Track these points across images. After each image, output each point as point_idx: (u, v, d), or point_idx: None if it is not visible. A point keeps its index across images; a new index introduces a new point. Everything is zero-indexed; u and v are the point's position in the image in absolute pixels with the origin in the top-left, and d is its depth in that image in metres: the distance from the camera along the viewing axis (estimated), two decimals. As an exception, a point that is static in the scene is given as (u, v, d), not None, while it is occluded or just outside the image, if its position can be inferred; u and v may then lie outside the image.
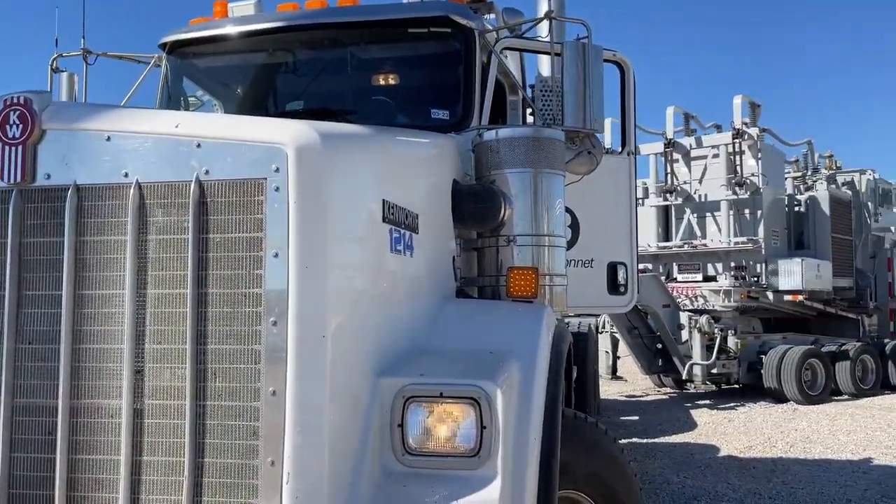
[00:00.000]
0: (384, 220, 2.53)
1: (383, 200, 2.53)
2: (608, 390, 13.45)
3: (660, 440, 9.14)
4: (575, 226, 4.50)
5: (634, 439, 9.18)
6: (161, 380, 2.12)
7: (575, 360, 7.46)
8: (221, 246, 2.12)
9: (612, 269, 4.56)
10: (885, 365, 13.28)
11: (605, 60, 4.43)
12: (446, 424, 2.31)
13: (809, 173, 15.84)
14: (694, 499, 6.50)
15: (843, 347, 12.94)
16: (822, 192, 14.34)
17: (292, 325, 2.06)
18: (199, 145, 2.14)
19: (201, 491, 2.05)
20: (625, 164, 4.68)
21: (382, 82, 4.38)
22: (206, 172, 2.13)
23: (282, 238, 2.08)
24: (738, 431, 9.66)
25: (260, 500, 2.03)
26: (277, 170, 2.10)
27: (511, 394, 2.48)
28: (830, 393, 12.49)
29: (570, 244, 4.50)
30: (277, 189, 2.09)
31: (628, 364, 14.00)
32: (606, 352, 13.67)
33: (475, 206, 3.58)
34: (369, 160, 2.57)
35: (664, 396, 13.01)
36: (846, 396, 12.55)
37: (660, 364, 12.69)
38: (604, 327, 13.38)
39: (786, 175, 15.01)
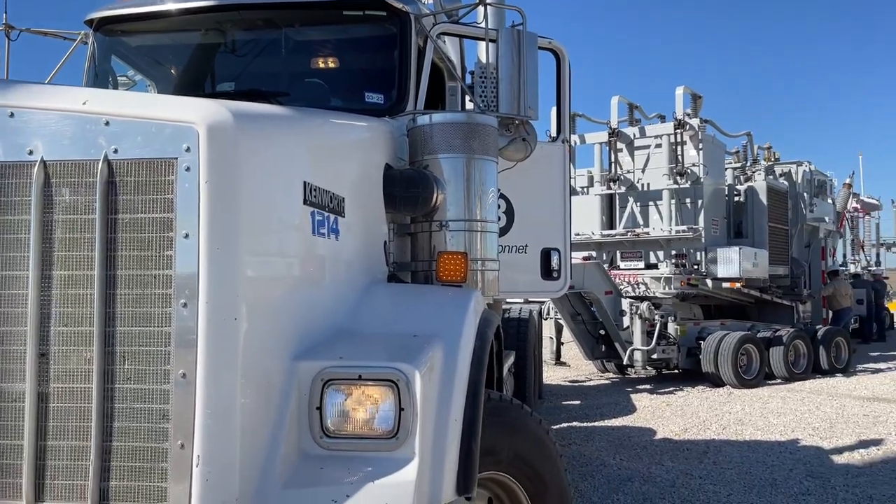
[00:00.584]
0: (305, 203, 2.51)
1: (304, 183, 2.51)
2: (552, 375, 13.65)
3: (599, 423, 9.32)
4: (510, 212, 4.54)
5: (575, 423, 9.34)
6: (67, 363, 2.07)
7: (515, 344, 7.58)
8: (130, 226, 2.08)
9: (546, 254, 4.61)
10: (816, 350, 13.76)
11: (541, 48, 4.46)
12: (365, 407, 2.31)
13: (749, 164, 16.27)
14: (628, 480, 6.66)
15: (777, 333, 13.36)
16: (760, 182, 14.74)
17: (203, 307, 2.03)
18: (107, 123, 2.09)
19: (108, 475, 2.02)
20: (559, 151, 4.74)
21: (316, 65, 4.33)
22: (115, 151, 2.08)
23: (192, 219, 2.05)
24: (675, 415, 9.91)
25: (169, 483, 2.01)
26: (188, 149, 2.06)
27: (432, 376, 2.50)
28: (765, 377, 12.89)
29: (505, 230, 4.54)
30: (188, 169, 2.06)
31: (573, 350, 14.22)
32: (551, 338, 13.86)
33: (407, 190, 3.57)
34: (288, 141, 2.54)
35: (606, 381, 13.25)
36: (779, 380, 12.97)
37: (602, 350, 12.93)
38: (548, 314, 13.55)
39: (726, 166, 15.37)
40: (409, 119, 3.88)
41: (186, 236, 2.05)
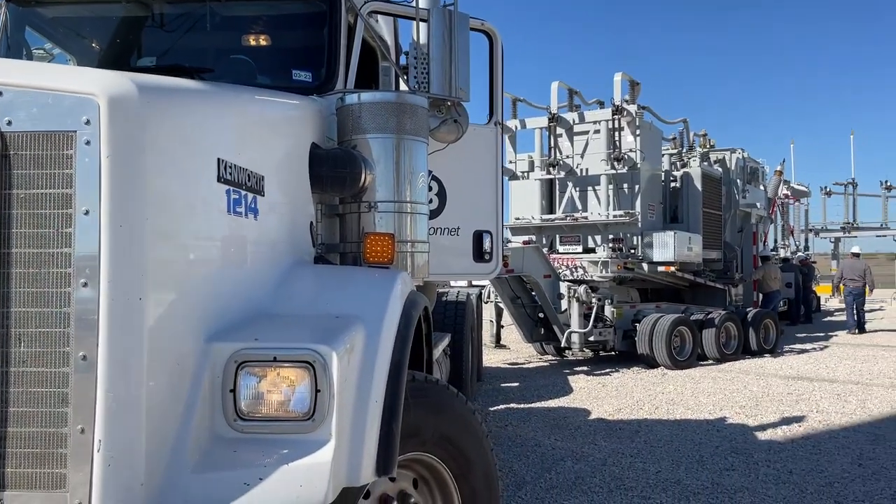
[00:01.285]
0: (219, 181, 2.44)
1: (218, 160, 2.44)
2: (492, 358, 13.78)
3: (536, 405, 9.45)
4: (442, 194, 4.52)
5: (513, 404, 9.45)
6: (-41, 346, 1.97)
7: (452, 327, 7.60)
8: (27, 203, 1.98)
9: (478, 237, 4.62)
10: (746, 332, 14.22)
11: (473, 29, 4.44)
12: (280, 389, 2.27)
13: (685, 151, 16.63)
14: (561, 459, 6.77)
15: (710, 316, 13.75)
16: (695, 168, 15.11)
17: (104, 287, 1.95)
18: (0, 93, 1.98)
19: (4, 462, 1.93)
20: (492, 134, 4.73)
21: (243, 41, 4.21)
22: (9, 123, 1.98)
23: (93, 195, 1.96)
24: (610, 395, 10.12)
25: (69, 469, 1.94)
26: (88, 122, 1.97)
27: (352, 357, 2.47)
28: (697, 358, 13.28)
29: (437, 212, 4.53)
30: (88, 143, 1.96)
31: (513, 333, 14.37)
32: (491, 321, 13.97)
33: (334, 170, 3.52)
34: (200, 116, 2.46)
35: (545, 364, 13.44)
36: (711, 361, 13.37)
37: (541, 332, 13.11)
38: (489, 297, 13.64)
39: (663, 152, 15.68)
40: (338, 98, 3.82)
41: (87, 213, 1.96)
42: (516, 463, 6.65)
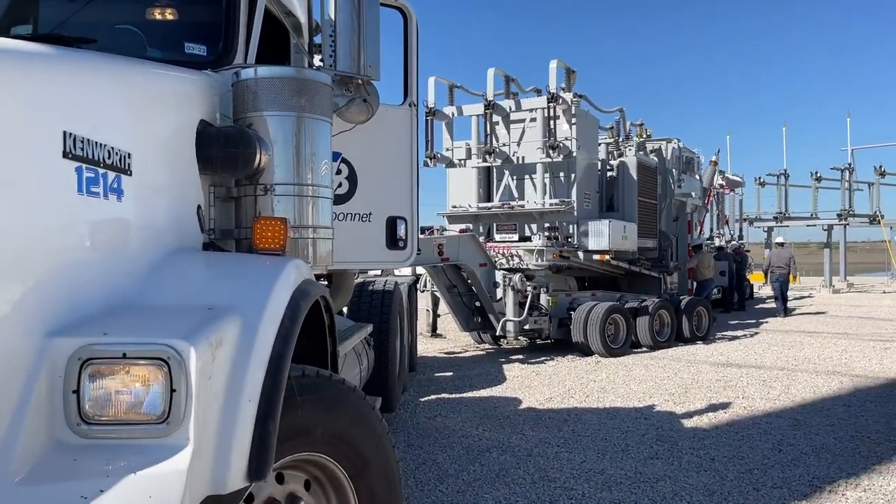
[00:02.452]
0: (66, 156, 2.18)
1: (65, 133, 2.18)
2: (428, 348, 13.64)
3: (468, 395, 9.33)
4: (352, 178, 4.31)
5: (444, 394, 9.31)
6: None
7: (379, 316, 7.39)
8: None
9: (392, 223, 4.43)
10: (680, 319, 14.40)
11: (384, 5, 4.24)
12: (130, 389, 2.04)
13: (622, 140, 16.72)
14: (486, 451, 6.66)
15: (644, 304, 13.87)
16: (630, 158, 15.19)
17: None
18: None
19: None
20: (406, 115, 4.54)
21: (134, 12, 3.91)
22: None
23: None
24: (542, 384, 10.08)
25: None
26: None
27: (219, 352, 2.26)
28: (631, 346, 13.39)
29: (347, 197, 4.32)
30: None
31: (450, 322, 14.24)
32: (427, 310, 13.82)
33: (224, 150, 3.27)
34: (41, 84, 2.19)
35: (481, 352, 13.36)
36: (645, 348, 13.50)
37: (477, 321, 13.00)
38: (425, 286, 13.48)
39: (600, 141, 15.72)
40: (234, 73, 3.57)
41: None
42: (441, 455, 6.51)
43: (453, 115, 13.79)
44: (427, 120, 13.23)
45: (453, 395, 9.29)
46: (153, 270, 2.62)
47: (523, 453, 6.59)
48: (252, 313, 2.47)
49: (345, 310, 7.00)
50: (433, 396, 9.19)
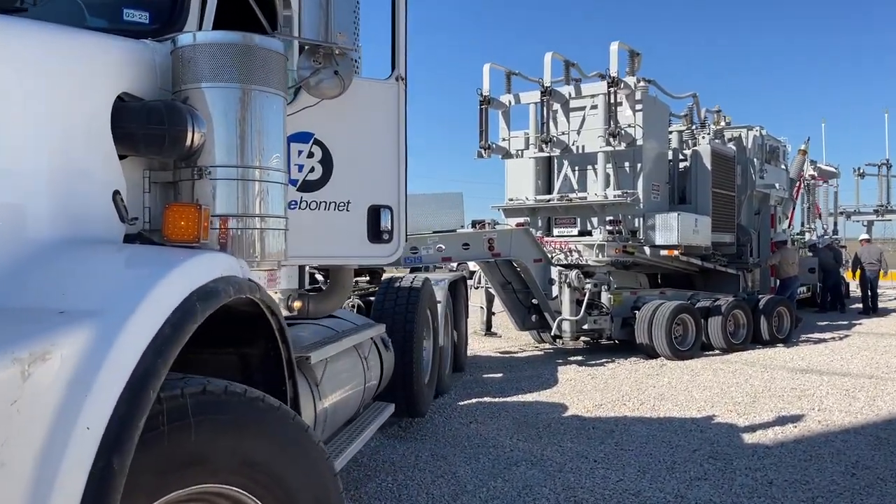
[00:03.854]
0: None
1: None
2: (484, 346, 13.11)
3: (511, 399, 8.75)
4: (327, 161, 3.83)
5: (486, 398, 8.77)
6: None
7: (404, 316, 6.91)
8: None
9: (375, 213, 3.93)
10: (757, 320, 13.33)
11: (364, -35, 3.74)
12: None
13: (697, 127, 15.65)
14: (514, 464, 6.08)
15: (717, 303, 12.89)
16: (704, 146, 14.15)
17: None
18: None
19: None
20: (392, 91, 4.02)
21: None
22: None
23: None
24: (595, 389, 9.39)
25: None
26: None
27: (47, 368, 1.81)
28: (702, 348, 12.46)
29: (321, 183, 3.85)
30: None
31: (507, 320, 13.64)
32: (481, 307, 13.27)
33: (147, 127, 2.85)
34: None
35: (539, 353, 12.72)
36: (717, 351, 12.54)
37: (534, 320, 12.35)
38: (479, 283, 12.95)
39: (672, 129, 14.75)
40: (171, 40, 3.15)
41: None
42: (463, 468, 5.98)
43: (510, 103, 13.16)
44: (481, 109, 12.66)
45: (496, 399, 8.72)
46: (17, 267, 2.21)
47: (554, 468, 5.97)
48: (113, 319, 2.02)
49: (337, 308, 6.55)
50: (474, 400, 8.65)
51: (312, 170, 3.77)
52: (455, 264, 12.76)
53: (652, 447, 6.61)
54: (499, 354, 12.51)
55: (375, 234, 3.90)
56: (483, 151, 12.79)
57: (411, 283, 7.12)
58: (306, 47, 3.57)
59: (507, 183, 13.74)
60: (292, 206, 3.71)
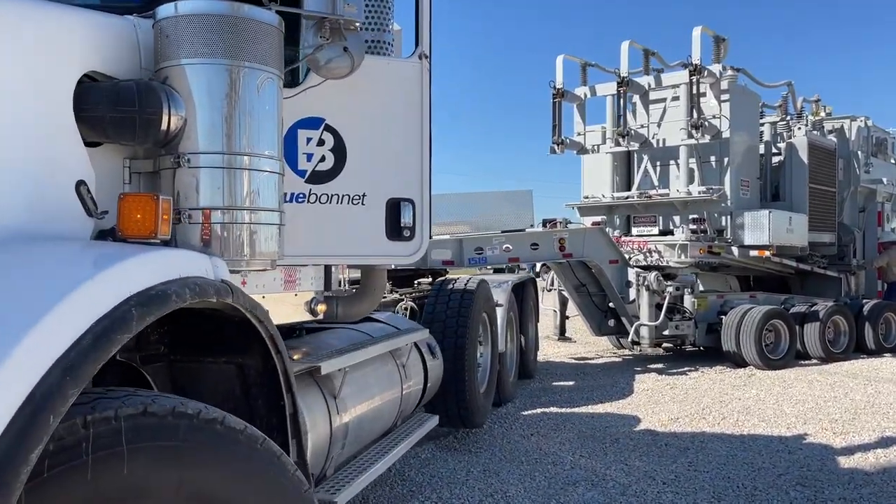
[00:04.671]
0: None
1: None
2: (558, 352, 12.53)
3: (580, 409, 8.18)
4: (340, 150, 3.45)
5: (552, 408, 8.23)
6: None
7: (456, 319, 6.49)
8: None
9: (394, 207, 3.52)
10: (861, 327, 12.18)
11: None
12: None
13: (793, 118, 14.50)
14: (572, 484, 5.55)
15: (814, 308, 11.87)
16: (799, 138, 13.07)
17: None
18: None
19: None
20: (415, 70, 3.60)
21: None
22: None
23: None
24: (674, 400, 8.68)
25: None
26: None
27: None
28: (797, 357, 11.48)
29: (333, 174, 3.47)
30: None
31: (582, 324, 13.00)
32: (554, 311, 12.69)
33: (116, 109, 2.55)
34: None
35: (617, 359, 12.04)
36: (815, 361, 11.52)
37: (610, 325, 11.68)
38: (552, 285, 12.38)
39: (765, 120, 13.71)
40: (153, 13, 2.84)
41: None
42: (515, 487, 5.50)
43: (585, 96, 12.52)
44: (554, 102, 12.09)
45: (562, 410, 8.17)
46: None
47: (616, 490, 5.41)
48: (7, 331, 1.69)
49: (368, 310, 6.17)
50: (538, 410, 8.13)
51: (323, 159, 3.40)
52: (527, 265, 12.19)
53: (731, 469, 5.93)
54: (573, 361, 11.90)
55: (395, 230, 3.49)
56: (556, 147, 12.22)
57: (465, 285, 6.68)
58: (314, 23, 3.20)
59: (583, 180, 13.11)
60: (300, 200, 3.36)
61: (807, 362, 11.50)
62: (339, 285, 4.40)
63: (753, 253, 11.77)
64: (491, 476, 5.74)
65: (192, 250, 2.52)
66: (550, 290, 12.40)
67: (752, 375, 10.40)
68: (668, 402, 8.56)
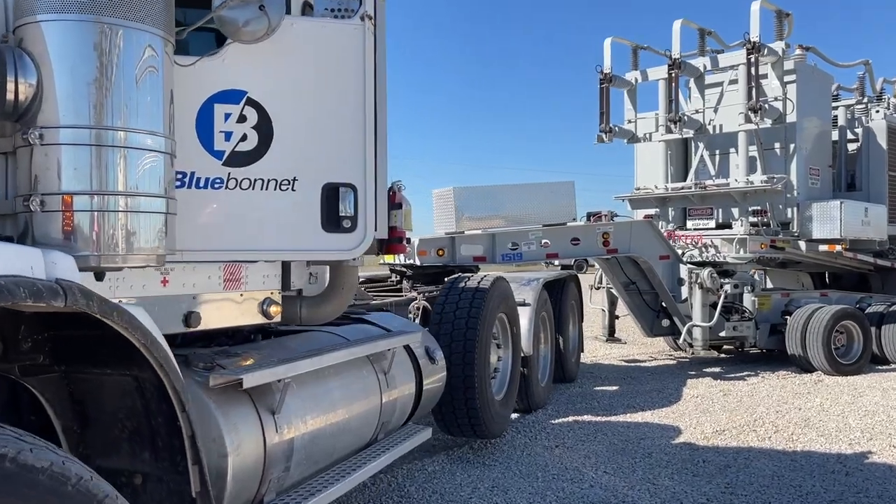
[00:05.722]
0: None
1: None
2: (608, 354, 11.81)
3: (617, 418, 7.52)
4: (265, 128, 2.99)
5: (587, 416, 7.60)
6: None
7: (466, 322, 5.97)
8: None
9: (332, 194, 3.04)
10: (953, 328, 10.96)
11: None
12: None
13: (871, 100, 13.27)
14: (586, 506, 4.95)
15: (893, 308, 10.75)
16: (877, 121, 11.90)
17: None
18: None
19: None
20: (357, 34, 3.10)
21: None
22: None
23: None
24: (724, 409, 7.91)
25: None
26: None
27: None
28: (874, 361, 10.42)
29: (256, 155, 3.02)
30: None
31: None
32: (603, 310, 11.95)
33: None
34: None
35: (671, 362, 11.24)
36: (894, 366, 10.44)
37: (664, 325, 10.86)
38: (600, 282, 11.65)
39: (839, 104, 12.57)
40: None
41: None
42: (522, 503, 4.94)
43: (636, 81, 11.72)
44: (602, 88, 11.35)
45: (597, 418, 7.52)
46: None
47: (634, 515, 4.78)
48: None
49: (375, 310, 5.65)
50: (571, 418, 7.51)
51: (245, 138, 2.95)
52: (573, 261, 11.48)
53: (773, 492, 5.20)
54: (622, 363, 11.17)
55: (332, 220, 3.02)
56: (604, 135, 11.47)
57: (478, 283, 6.14)
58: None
59: (636, 170, 12.32)
60: (216, 185, 2.93)
61: (885, 367, 10.43)
62: (312, 281, 3.94)
63: (823, 248, 10.74)
64: (498, 494, 5.20)
65: (25, 245, 2.11)
66: (599, 287, 11.67)
67: (819, 382, 9.46)
68: (717, 412, 7.79)
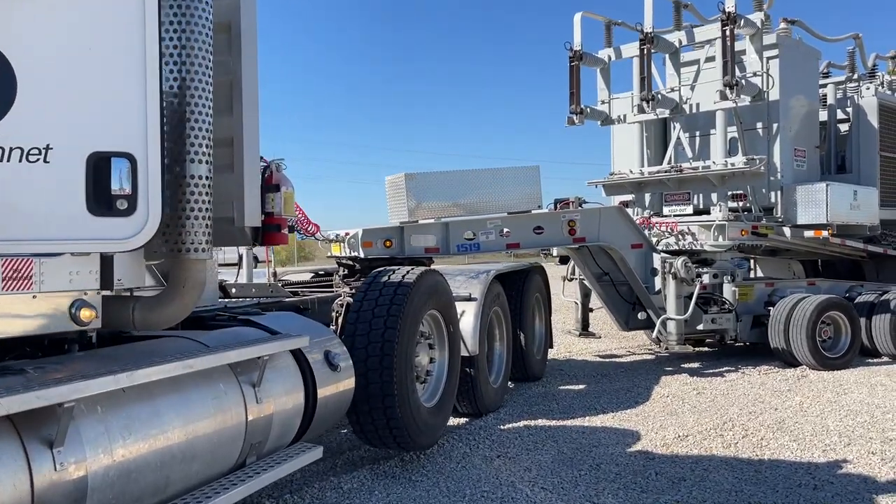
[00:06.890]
0: None
1: None
2: (583, 349, 11.16)
3: (573, 422, 6.87)
4: (7, 82, 2.33)
5: (541, 420, 6.95)
6: None
7: (384, 321, 5.32)
8: None
9: (101, 166, 2.39)
10: (948, 319, 10.27)
11: None
12: None
13: (863, 77, 12.53)
14: (507, 532, 4.31)
15: (885, 296, 10.08)
16: (867, 99, 11.19)
17: None
18: None
19: None
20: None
21: None
22: None
23: None
24: (693, 410, 7.26)
25: None
26: None
27: None
28: (864, 354, 9.77)
29: None
30: None
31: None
32: (576, 303, 11.28)
33: None
34: None
35: (650, 357, 10.59)
36: (886, 359, 9.78)
37: (640, 318, 10.17)
38: (573, 274, 10.99)
39: (827, 81, 11.86)
40: None
41: None
42: (432, 533, 4.30)
43: (609, 59, 11.02)
44: (572, 66, 10.65)
45: (552, 422, 6.88)
46: None
47: (560, 543, 4.14)
48: None
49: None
50: (523, 423, 6.86)
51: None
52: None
53: (727, 512, 4.56)
54: (596, 359, 10.52)
55: (102, 200, 2.38)
56: (574, 117, 10.78)
57: (402, 277, 5.48)
58: None
59: (612, 155, 11.63)
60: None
61: (875, 360, 9.78)
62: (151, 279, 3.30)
63: (808, 234, 10.05)
64: (412, 516, 4.57)
65: None
66: (571, 279, 11.01)
67: (802, 378, 8.80)
68: (685, 413, 7.14)
